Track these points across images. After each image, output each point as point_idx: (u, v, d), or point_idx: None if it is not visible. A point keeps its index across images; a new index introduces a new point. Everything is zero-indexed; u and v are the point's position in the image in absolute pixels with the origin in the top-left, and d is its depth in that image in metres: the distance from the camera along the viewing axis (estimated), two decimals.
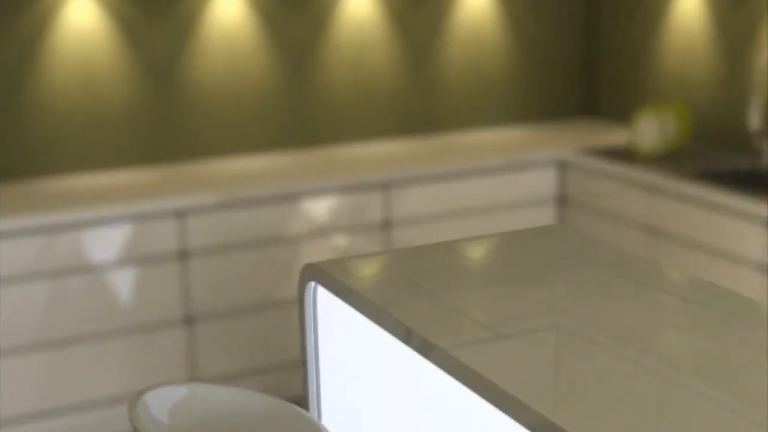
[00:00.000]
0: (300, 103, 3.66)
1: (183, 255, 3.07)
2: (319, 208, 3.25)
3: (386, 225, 3.37)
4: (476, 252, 1.25)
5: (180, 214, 3.04)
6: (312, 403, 1.22)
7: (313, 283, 1.15)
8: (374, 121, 3.80)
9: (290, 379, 3.25)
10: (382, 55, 3.77)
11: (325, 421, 1.23)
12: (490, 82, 3.98)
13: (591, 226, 3.51)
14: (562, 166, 3.61)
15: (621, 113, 4.01)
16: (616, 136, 3.80)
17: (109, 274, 2.99)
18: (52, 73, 3.28)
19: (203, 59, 3.48)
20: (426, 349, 0.95)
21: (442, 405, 0.98)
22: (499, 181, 3.53)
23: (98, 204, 3.00)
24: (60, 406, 2.99)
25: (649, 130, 3.45)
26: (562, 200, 3.64)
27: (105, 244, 2.98)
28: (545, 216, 3.61)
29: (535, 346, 0.95)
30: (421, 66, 3.85)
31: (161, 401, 1.35)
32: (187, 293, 3.10)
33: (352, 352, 1.15)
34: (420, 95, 3.87)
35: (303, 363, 1.22)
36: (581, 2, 4.11)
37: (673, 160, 3.42)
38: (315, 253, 3.26)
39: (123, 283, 3.01)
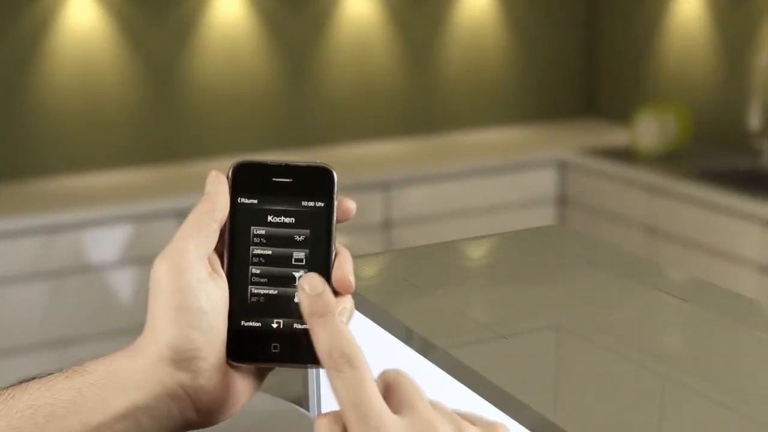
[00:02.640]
0: (300, 103, 3.66)
1: None
2: None
3: (386, 225, 3.37)
4: (476, 252, 1.25)
5: (180, 214, 3.04)
6: (312, 403, 1.22)
7: None
8: (374, 121, 3.80)
9: (290, 379, 3.25)
10: (382, 55, 3.77)
11: None
12: (490, 82, 3.98)
13: (591, 226, 3.51)
14: (562, 166, 3.61)
15: (621, 113, 4.01)
16: (616, 136, 3.80)
17: (109, 274, 2.99)
18: (52, 73, 3.27)
19: (203, 59, 3.48)
20: (426, 349, 0.95)
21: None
22: (499, 181, 3.53)
23: (98, 204, 3.00)
24: None
25: (649, 130, 3.45)
26: (562, 200, 3.64)
27: (105, 244, 2.97)
28: (545, 216, 3.61)
29: (535, 346, 0.95)
30: (421, 66, 3.85)
31: None
32: None
33: None
34: (420, 95, 3.87)
35: None
36: (581, 2, 4.11)
37: (673, 160, 3.41)
38: None
39: (123, 283, 3.01)
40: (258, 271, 0.64)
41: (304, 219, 0.64)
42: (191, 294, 0.62)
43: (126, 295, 3.02)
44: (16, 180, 3.28)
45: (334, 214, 0.65)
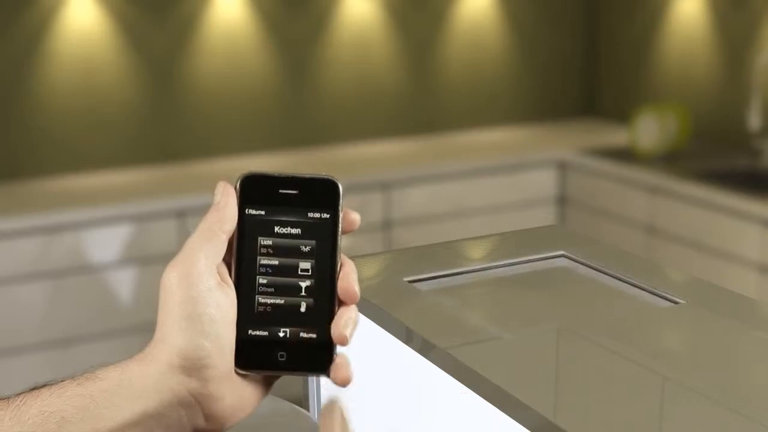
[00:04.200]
0: (300, 102, 3.66)
1: None
2: None
3: (386, 225, 3.37)
4: (476, 252, 1.25)
5: (180, 214, 3.04)
6: (312, 403, 1.22)
7: None
8: (374, 121, 3.80)
9: (290, 379, 3.25)
10: (382, 55, 3.77)
11: None
12: (490, 82, 3.98)
13: (591, 226, 3.51)
14: (562, 166, 3.61)
15: (621, 113, 4.01)
16: (616, 136, 3.80)
17: (109, 274, 2.99)
18: (52, 73, 3.28)
19: (203, 59, 3.48)
20: (426, 349, 0.95)
21: (442, 405, 0.98)
22: (499, 181, 3.53)
23: (98, 204, 3.00)
24: None
25: (649, 130, 3.45)
26: (562, 200, 3.64)
27: (105, 244, 2.97)
28: (545, 216, 3.61)
29: (535, 346, 0.95)
30: (421, 66, 3.85)
31: None
32: None
33: (352, 352, 1.15)
34: (420, 95, 3.87)
35: None
36: (581, 2, 4.11)
37: (673, 160, 3.41)
38: None
39: (123, 283, 3.01)
40: (265, 281, 0.66)
41: (310, 230, 0.66)
42: (201, 303, 0.63)
43: (126, 295, 3.02)
44: (16, 180, 3.28)
45: (340, 225, 0.66)
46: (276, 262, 0.66)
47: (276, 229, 0.66)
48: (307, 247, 0.66)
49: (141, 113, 3.43)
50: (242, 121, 3.58)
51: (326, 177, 0.66)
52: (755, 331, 0.99)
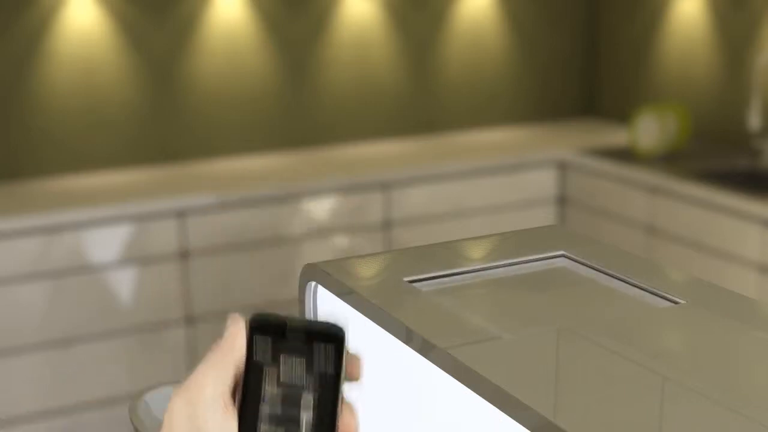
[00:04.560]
0: (300, 102, 3.66)
1: (183, 255, 3.07)
2: (319, 208, 3.25)
3: (386, 225, 3.37)
4: (476, 252, 1.25)
5: (180, 214, 3.04)
6: None
7: (313, 284, 1.15)
8: (374, 121, 3.80)
9: None
10: (382, 55, 3.77)
11: None
12: (490, 82, 3.98)
13: (591, 226, 3.51)
14: (562, 166, 3.61)
15: (621, 113, 4.01)
16: (616, 136, 3.80)
17: (109, 274, 2.99)
18: (52, 73, 3.28)
19: (203, 59, 3.48)
20: (426, 349, 0.95)
21: (442, 405, 0.98)
22: (499, 181, 3.53)
23: (98, 204, 3.00)
24: (60, 406, 2.99)
25: (649, 130, 3.45)
26: (562, 200, 3.64)
27: (105, 244, 2.97)
28: (545, 216, 3.61)
29: (535, 346, 0.95)
30: (421, 66, 3.85)
31: (162, 401, 1.35)
32: (187, 293, 3.10)
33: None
34: (420, 95, 3.87)
35: None
36: (581, 2, 4.11)
37: (673, 160, 3.42)
38: (315, 253, 3.26)
39: (123, 283, 3.01)
40: (268, 414, 0.68)
41: (314, 367, 0.69)
42: (205, 430, 0.65)
43: (126, 295, 3.02)
44: (16, 180, 3.28)
45: (344, 367, 0.69)
46: (280, 396, 0.68)
47: (282, 363, 0.69)
48: (311, 384, 0.69)
49: (141, 113, 3.43)
50: (242, 121, 3.58)
51: (333, 324, 0.69)
52: (755, 331, 0.98)
